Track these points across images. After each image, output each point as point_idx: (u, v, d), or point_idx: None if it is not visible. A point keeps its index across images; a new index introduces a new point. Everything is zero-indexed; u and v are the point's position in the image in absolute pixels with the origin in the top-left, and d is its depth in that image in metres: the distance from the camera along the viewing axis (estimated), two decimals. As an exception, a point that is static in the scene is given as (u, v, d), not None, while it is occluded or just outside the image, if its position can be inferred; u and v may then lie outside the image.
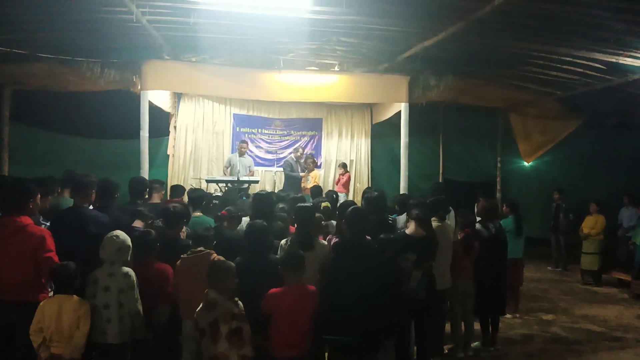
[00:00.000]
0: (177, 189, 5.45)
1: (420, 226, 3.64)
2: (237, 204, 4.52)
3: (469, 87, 7.28)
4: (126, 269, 2.97)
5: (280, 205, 4.35)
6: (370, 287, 2.81)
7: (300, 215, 3.39)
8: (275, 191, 7.33)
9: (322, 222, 3.73)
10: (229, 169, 7.97)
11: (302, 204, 3.57)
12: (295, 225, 3.46)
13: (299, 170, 8.02)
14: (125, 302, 2.92)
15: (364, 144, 9.56)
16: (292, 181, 7.87)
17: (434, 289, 3.62)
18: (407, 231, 3.67)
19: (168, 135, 8.67)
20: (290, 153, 8.50)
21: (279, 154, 8.84)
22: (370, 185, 9.09)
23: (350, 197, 8.87)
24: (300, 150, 8.34)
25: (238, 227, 3.99)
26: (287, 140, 9.28)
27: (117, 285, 2.92)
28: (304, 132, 9.42)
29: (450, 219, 4.69)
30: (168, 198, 7.92)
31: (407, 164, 7.19)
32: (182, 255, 3.11)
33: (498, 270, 4.31)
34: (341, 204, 4.15)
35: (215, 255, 3.07)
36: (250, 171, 7.97)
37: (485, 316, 4.44)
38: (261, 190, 4.67)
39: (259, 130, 9.23)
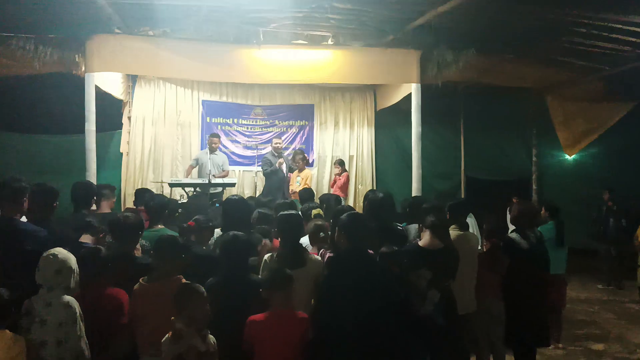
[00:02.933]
0: (144, 194, 5.45)
1: (436, 236, 3.66)
2: (207, 213, 4.53)
3: (495, 64, 7.33)
4: (67, 298, 2.95)
5: (259, 211, 4.38)
6: (374, 311, 2.83)
7: (283, 226, 3.43)
8: (256, 195, 7.37)
9: (321, 234, 3.74)
10: (196, 168, 7.97)
11: (284, 212, 3.62)
12: (280, 237, 3.49)
13: (284, 168, 8.05)
14: (66, 339, 2.89)
15: (367, 135, 9.62)
16: (274, 182, 7.90)
17: (454, 313, 3.64)
18: (420, 242, 3.70)
19: (121, 128, 8.67)
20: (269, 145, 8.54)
21: (261, 149, 8.86)
22: (374, 187, 9.15)
23: (350, 202, 8.93)
24: (280, 141, 8.34)
25: (210, 241, 4.01)
26: (271, 132, 9.32)
27: (56, 317, 2.90)
28: (291, 122, 9.46)
29: (472, 227, 4.72)
30: (126, 206, 8.05)
31: (420, 160, 7.24)
32: (141, 280, 3.11)
33: (538, 290, 4.32)
34: (336, 209, 4.17)
35: (183, 280, 3.09)
36: (223, 171, 7.98)
37: (521, 347, 4.46)
38: (233, 195, 4.70)
39: (235, 120, 9.25)
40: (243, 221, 3.95)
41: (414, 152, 7.27)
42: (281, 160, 7.97)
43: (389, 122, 9.46)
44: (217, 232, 4.09)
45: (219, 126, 9.15)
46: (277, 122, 9.41)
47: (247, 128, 9.31)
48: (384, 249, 3.44)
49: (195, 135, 9.06)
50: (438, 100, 8.00)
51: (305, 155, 8.48)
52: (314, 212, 4.49)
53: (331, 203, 5.29)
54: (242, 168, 9.16)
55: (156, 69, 7.27)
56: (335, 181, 8.55)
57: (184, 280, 3.08)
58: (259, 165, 8.27)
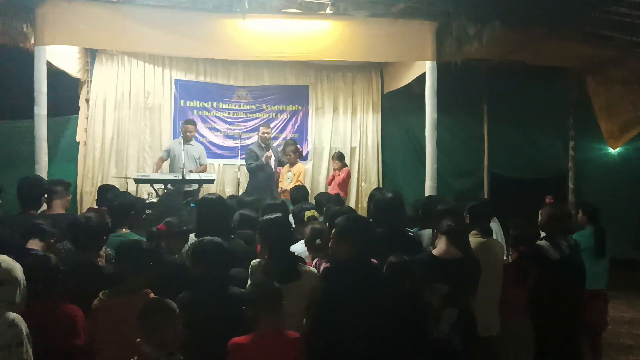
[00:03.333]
0: (107, 192, 5.46)
1: (454, 243, 3.67)
2: (181, 215, 4.54)
3: (525, 39, 7.33)
4: (12, 315, 2.93)
5: (241, 213, 4.41)
6: (379, 332, 2.84)
7: (266, 232, 3.45)
8: (239, 194, 7.37)
9: (317, 241, 3.76)
10: (167, 161, 7.97)
11: (267, 216, 3.64)
12: (266, 245, 3.50)
13: (272, 162, 8.06)
14: (11, 365, 2.90)
15: (372, 123, 9.65)
16: (261, 178, 7.91)
17: (474, 335, 3.66)
18: (435, 251, 3.71)
19: (77, 113, 8.67)
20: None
21: (245, 139, 8.85)
22: (380, 185, 9.18)
23: (351, 203, 8.95)
24: (268, 129, 8.32)
25: (184, 249, 4.02)
26: (257, 118, 9.33)
27: (-1, 338, 2.90)
28: (282, 107, 9.48)
29: (496, 234, 4.73)
30: (83, 205, 8.03)
31: (435, 153, 7.28)
32: (101, 295, 3.12)
33: (573, 308, 4.34)
34: (334, 211, 4.18)
35: (152, 295, 3.10)
36: (200, 165, 7.98)
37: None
38: (210, 194, 4.72)
39: (214, 104, 9.26)
40: (222, 225, 3.96)
41: (428, 143, 7.29)
42: (269, 153, 7.97)
43: (399, 108, 9.47)
44: (193, 237, 4.09)
45: (195, 111, 9.13)
46: (264, 106, 9.41)
47: (229, 114, 9.31)
48: (391, 259, 3.45)
49: (167, 122, 9.05)
50: (457, 81, 8.00)
51: (298, 146, 8.46)
52: (308, 214, 4.48)
53: (329, 204, 5.28)
54: (222, 161, 9.16)
55: (120, 42, 7.23)
56: (333, 178, 8.55)
57: (152, 295, 3.09)
58: (242, 158, 8.27)
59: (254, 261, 3.44)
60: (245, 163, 8.09)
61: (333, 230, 3.16)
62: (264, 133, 8.17)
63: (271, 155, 7.98)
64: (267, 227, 3.49)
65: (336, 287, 2.95)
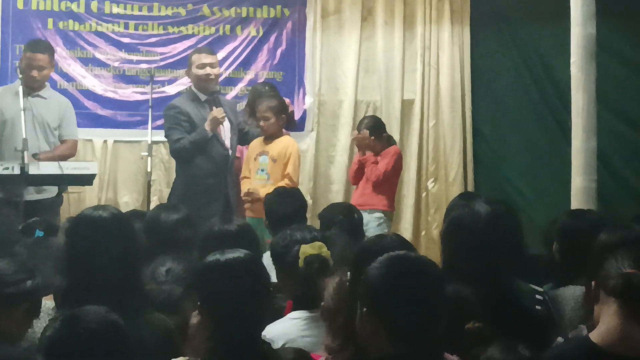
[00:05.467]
0: None
1: (637, 320, 3.70)
2: (17, 254, 4.60)
3: None
4: None
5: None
6: None
7: (210, 294, 3.49)
8: (151, 205, 7.42)
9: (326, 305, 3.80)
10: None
11: (213, 258, 3.66)
12: (210, 321, 3.52)
13: (227, 134, 8.16)
14: None
15: (449, 50, 9.82)
16: (200, 170, 8.00)
17: None
18: (595, 336, 3.72)
19: None
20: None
21: (163, 83, 8.94)
22: (470, 187, 9.25)
23: (403, 226, 8.99)
24: (213, 59, 8.42)
25: (32, 330, 4.08)
26: (191, 37, 9.53)
27: None
28: (245, 12, 9.61)
29: None
30: None
31: (595, 114, 7.29)
32: None
33: None
34: (361, 247, 4.21)
35: None
36: (62, 141, 8.08)
37: None
38: (93, 208, 4.75)
39: (95, 6, 9.38)
40: (121, 279, 3.99)
41: (577, 91, 7.31)
42: (218, 113, 7.95)
43: (509, 15, 9.55)
44: (48, 307, 4.17)
45: (51, 22, 9.24)
46: (206, 10, 9.55)
47: (127, 28, 9.45)
48: (493, 353, 3.50)
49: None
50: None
51: (285, 99, 8.53)
52: (305, 250, 4.51)
53: (352, 221, 5.38)
54: (112, 134, 9.31)
55: None
56: (358, 165, 8.61)
57: None
58: (157, 129, 8.39)
59: None
60: (166, 138, 8.17)
61: (361, 297, 3.16)
62: (204, 67, 8.24)
63: (223, 117, 7.95)
64: (209, 284, 3.54)
65: None
